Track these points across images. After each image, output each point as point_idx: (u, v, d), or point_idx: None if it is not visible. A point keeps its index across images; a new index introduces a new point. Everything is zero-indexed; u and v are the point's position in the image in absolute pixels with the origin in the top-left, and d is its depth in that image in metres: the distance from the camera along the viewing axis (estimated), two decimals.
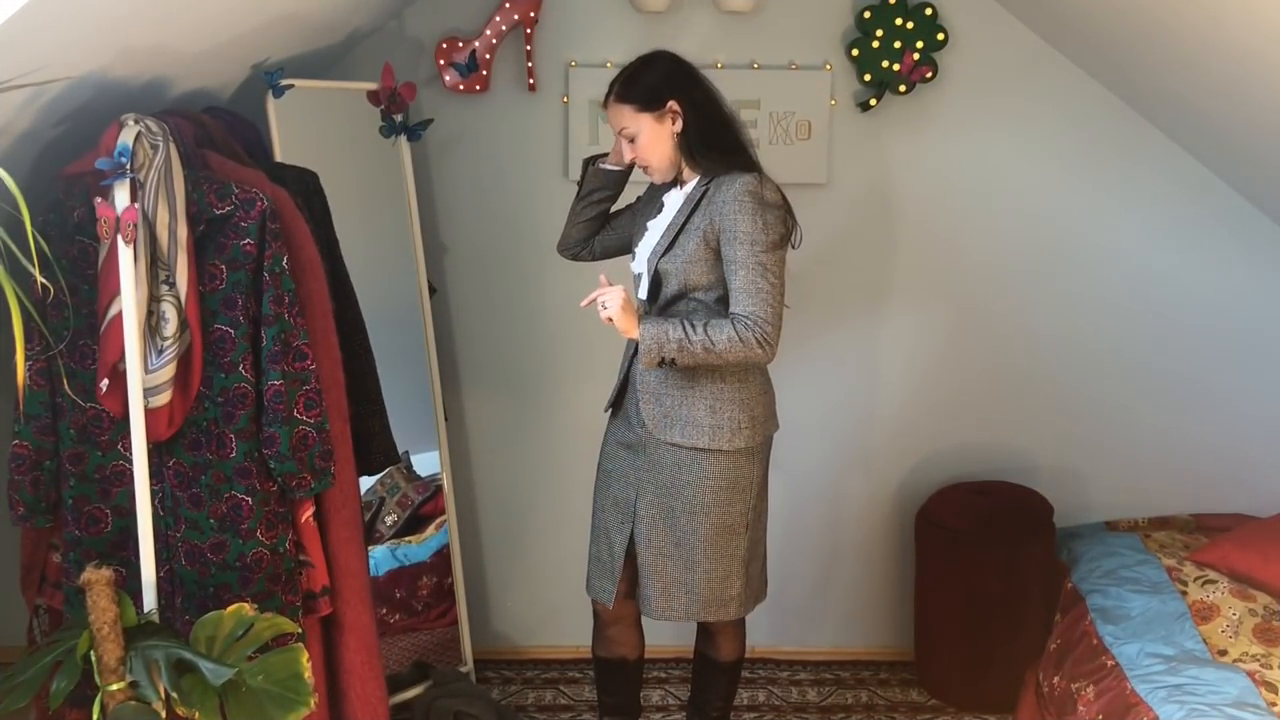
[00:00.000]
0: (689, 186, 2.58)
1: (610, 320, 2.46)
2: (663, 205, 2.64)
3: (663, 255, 2.52)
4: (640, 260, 2.63)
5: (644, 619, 2.78)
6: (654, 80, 2.51)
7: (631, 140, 2.54)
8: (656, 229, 2.60)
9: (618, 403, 2.71)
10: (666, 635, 3.32)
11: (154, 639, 1.95)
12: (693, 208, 2.51)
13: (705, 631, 2.82)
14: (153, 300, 2.16)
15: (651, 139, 2.52)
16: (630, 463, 2.64)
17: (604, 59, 3.28)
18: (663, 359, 2.43)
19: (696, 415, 2.53)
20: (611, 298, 2.45)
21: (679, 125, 2.51)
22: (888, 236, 3.42)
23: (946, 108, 3.33)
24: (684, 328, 2.41)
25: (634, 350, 2.59)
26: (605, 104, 2.58)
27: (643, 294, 2.62)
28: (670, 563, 2.60)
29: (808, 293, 3.45)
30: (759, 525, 2.69)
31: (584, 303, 2.50)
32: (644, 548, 2.62)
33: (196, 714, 1.90)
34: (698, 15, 3.28)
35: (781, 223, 2.50)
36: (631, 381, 2.63)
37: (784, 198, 2.53)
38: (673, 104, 2.50)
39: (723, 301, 2.52)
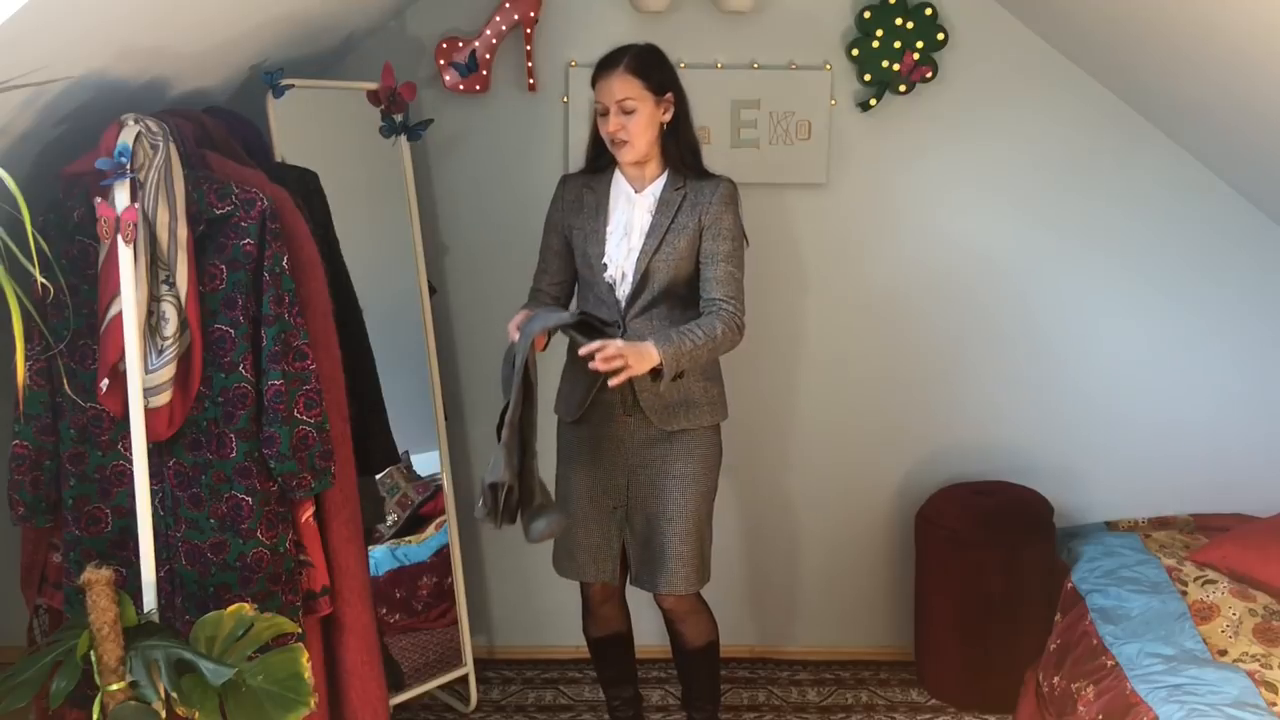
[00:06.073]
0: (656, 186, 2.67)
1: (626, 369, 2.46)
2: (609, 207, 2.67)
3: (654, 255, 2.63)
4: (619, 263, 2.66)
5: (628, 595, 2.89)
6: (665, 68, 2.65)
7: (629, 113, 2.59)
8: (634, 231, 2.65)
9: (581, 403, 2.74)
10: (665, 635, 3.31)
11: (154, 639, 1.95)
12: (676, 208, 2.63)
13: (672, 620, 2.84)
14: (153, 300, 2.16)
15: (648, 120, 2.61)
16: (617, 448, 2.72)
17: None
18: (679, 373, 2.56)
19: (694, 398, 2.69)
20: (615, 354, 2.44)
21: (669, 117, 2.63)
22: (887, 236, 3.42)
23: (946, 108, 3.33)
24: (689, 339, 2.54)
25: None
26: (603, 72, 2.61)
27: (626, 294, 2.66)
28: (668, 539, 2.69)
29: (807, 292, 3.45)
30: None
31: (584, 351, 2.49)
32: (643, 526, 2.72)
33: (196, 714, 1.91)
34: (698, 15, 3.28)
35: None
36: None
37: None
38: (670, 96, 2.63)
39: (694, 289, 2.67)
